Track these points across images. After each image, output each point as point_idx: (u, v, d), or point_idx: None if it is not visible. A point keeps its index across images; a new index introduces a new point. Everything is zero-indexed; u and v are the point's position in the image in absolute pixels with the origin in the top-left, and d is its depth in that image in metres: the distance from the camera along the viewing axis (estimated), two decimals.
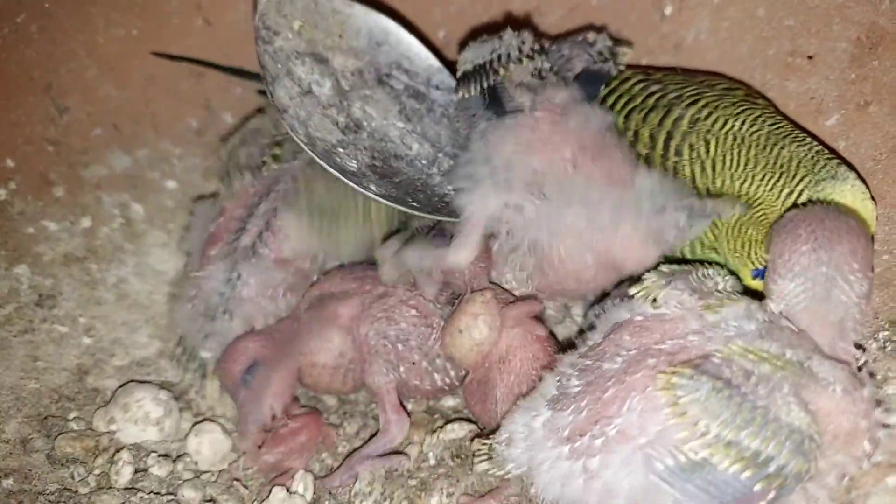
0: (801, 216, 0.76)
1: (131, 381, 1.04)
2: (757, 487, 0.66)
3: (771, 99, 1.02)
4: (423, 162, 1.01)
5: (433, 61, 1.09)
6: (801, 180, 0.81)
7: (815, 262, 0.72)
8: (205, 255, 1.02)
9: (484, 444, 0.80)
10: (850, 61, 0.97)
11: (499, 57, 0.98)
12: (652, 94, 0.95)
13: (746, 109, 0.88)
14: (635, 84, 0.98)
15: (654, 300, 0.76)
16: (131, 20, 1.25)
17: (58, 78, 1.22)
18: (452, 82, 0.99)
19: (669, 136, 0.90)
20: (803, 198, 0.79)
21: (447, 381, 0.96)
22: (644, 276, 0.79)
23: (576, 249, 0.88)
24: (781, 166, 0.82)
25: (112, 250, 1.19)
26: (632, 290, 0.78)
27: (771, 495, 0.66)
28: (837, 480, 0.69)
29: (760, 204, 0.83)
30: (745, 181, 0.83)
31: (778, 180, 0.81)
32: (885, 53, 0.93)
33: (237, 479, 0.96)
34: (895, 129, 0.92)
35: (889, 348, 0.80)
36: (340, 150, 0.97)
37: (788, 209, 0.80)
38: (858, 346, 0.73)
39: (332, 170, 0.93)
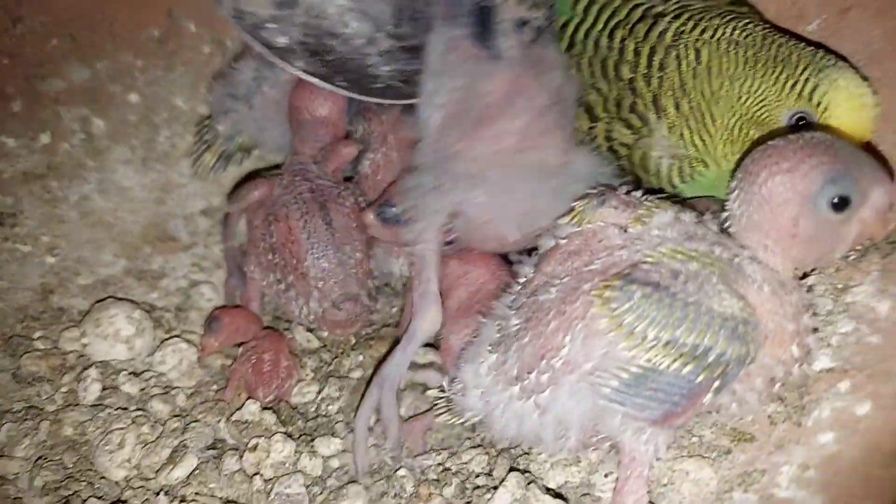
0: (754, 152, 0.73)
1: (109, 297, 1.03)
2: (699, 379, 0.67)
3: (753, 4, 0.99)
4: (360, 41, 0.98)
5: None
6: (804, 69, 0.79)
7: (757, 183, 0.70)
8: (244, 55, 1.11)
9: (441, 396, 0.81)
10: None
11: None
12: (637, 5, 0.92)
13: (734, 18, 0.87)
14: None
15: (589, 222, 0.75)
16: None
17: None
18: None
19: (653, 51, 0.88)
20: (808, 86, 0.78)
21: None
22: (573, 206, 0.78)
23: (505, 226, 0.88)
24: (782, 60, 0.81)
25: (73, 167, 1.16)
26: (564, 219, 0.77)
27: (716, 384, 0.67)
28: (765, 384, 0.70)
29: (762, 102, 0.81)
30: (745, 80, 0.82)
31: (780, 73, 0.80)
32: None
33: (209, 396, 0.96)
34: (875, 34, 0.89)
35: (851, 257, 0.80)
36: (271, 25, 0.96)
37: (793, 103, 0.79)
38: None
39: (257, 44, 0.93)
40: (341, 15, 0.97)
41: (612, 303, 0.68)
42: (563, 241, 0.76)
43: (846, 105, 0.77)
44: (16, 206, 1.11)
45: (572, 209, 0.78)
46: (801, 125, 0.79)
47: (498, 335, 0.76)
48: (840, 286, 0.78)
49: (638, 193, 0.77)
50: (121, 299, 1.03)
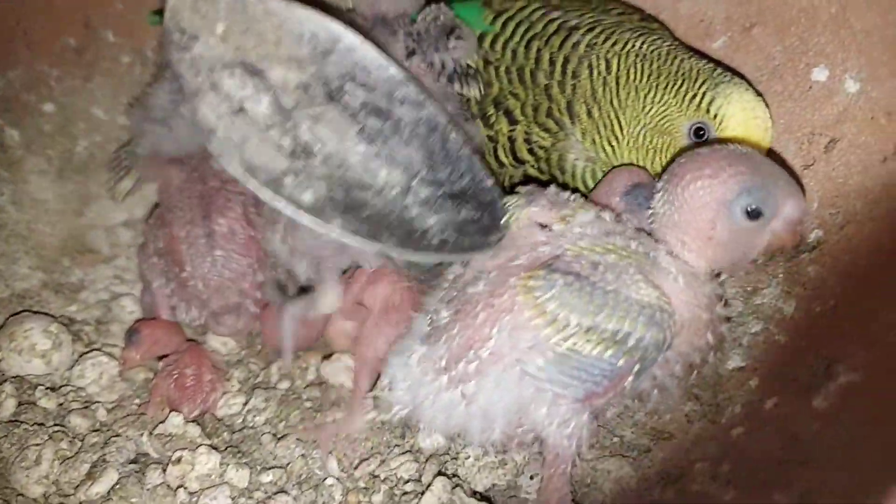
0: (681, 157, 0.79)
1: (24, 311, 1.00)
2: (620, 363, 0.70)
3: (663, 21, 1.03)
4: (395, 191, 0.85)
5: (395, 71, 0.85)
6: (702, 83, 0.85)
7: (681, 185, 0.75)
8: (161, 76, 1.08)
9: (366, 396, 0.83)
10: None
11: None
12: (553, 20, 0.96)
13: (644, 33, 0.92)
14: (535, 11, 0.98)
15: (517, 219, 0.78)
16: None
17: None
18: (420, 96, 0.83)
19: (567, 60, 0.92)
20: (706, 100, 0.84)
21: None
22: (504, 200, 0.82)
23: None
24: (683, 74, 0.86)
25: None
26: None
27: (636, 367, 0.71)
28: (684, 371, 0.75)
29: (665, 112, 0.86)
30: (650, 91, 0.87)
31: (681, 86, 0.85)
32: None
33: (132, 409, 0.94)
34: (776, 50, 0.95)
35: (759, 261, 0.84)
36: (289, 179, 0.82)
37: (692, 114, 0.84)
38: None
39: (282, 203, 0.80)
40: (366, 164, 0.84)
41: (536, 291, 0.71)
42: None
43: (739, 117, 0.82)
44: None
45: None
46: (700, 135, 0.84)
47: (428, 328, 0.78)
48: (749, 288, 0.83)
49: (565, 194, 0.81)
50: (37, 313, 1.00)
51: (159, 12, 1.18)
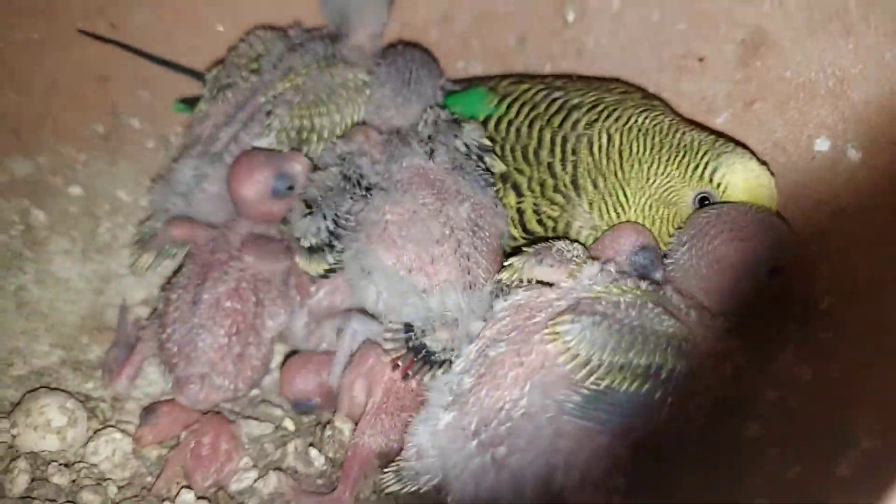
0: (706, 212, 0.84)
1: (42, 387, 1.01)
2: (657, 396, 0.71)
3: (665, 100, 1.07)
4: None
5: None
6: (704, 154, 0.87)
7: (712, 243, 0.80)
8: (185, 152, 1.11)
9: (389, 469, 0.80)
10: (737, 62, 1.03)
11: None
12: (555, 100, 0.99)
13: (645, 109, 0.95)
14: (538, 93, 1.02)
15: (529, 280, 0.80)
16: (32, 23, 1.22)
17: None
18: None
19: (565, 140, 0.96)
20: (709, 170, 0.86)
21: None
22: (509, 262, 0.84)
23: None
24: (685, 146, 0.88)
25: (11, 258, 1.15)
26: (503, 276, 0.82)
27: (669, 399, 0.72)
28: (709, 402, 0.76)
29: (669, 184, 0.88)
30: (653, 164, 0.89)
31: (683, 158, 0.87)
32: (768, 53, 0.99)
33: (143, 487, 0.93)
34: (778, 124, 0.97)
35: (772, 326, 0.84)
36: None
37: (695, 184, 0.87)
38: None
39: None
40: None
41: (566, 336, 0.72)
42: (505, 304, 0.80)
43: (743, 185, 0.84)
44: None
45: (507, 266, 0.82)
46: (706, 205, 0.86)
47: (450, 397, 0.77)
48: (763, 355, 0.82)
49: (571, 250, 0.83)
50: (53, 389, 1.00)
51: (184, 100, 1.23)
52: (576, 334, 0.71)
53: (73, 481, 0.92)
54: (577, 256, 0.82)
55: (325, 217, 0.94)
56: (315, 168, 1.03)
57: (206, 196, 1.08)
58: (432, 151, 0.97)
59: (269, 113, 1.08)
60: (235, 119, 1.10)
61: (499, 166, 0.98)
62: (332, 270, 0.96)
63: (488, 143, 1.00)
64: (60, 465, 0.93)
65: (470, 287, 0.88)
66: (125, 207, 1.25)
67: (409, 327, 0.88)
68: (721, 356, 0.75)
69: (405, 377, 0.87)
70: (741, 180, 0.84)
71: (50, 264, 1.16)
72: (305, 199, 0.98)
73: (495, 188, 0.98)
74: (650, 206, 0.90)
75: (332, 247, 0.94)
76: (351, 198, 0.95)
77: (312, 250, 0.95)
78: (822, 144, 0.91)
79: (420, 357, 0.85)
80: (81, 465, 0.94)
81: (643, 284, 0.77)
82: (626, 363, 0.70)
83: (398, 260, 0.89)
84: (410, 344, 0.87)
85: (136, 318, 1.12)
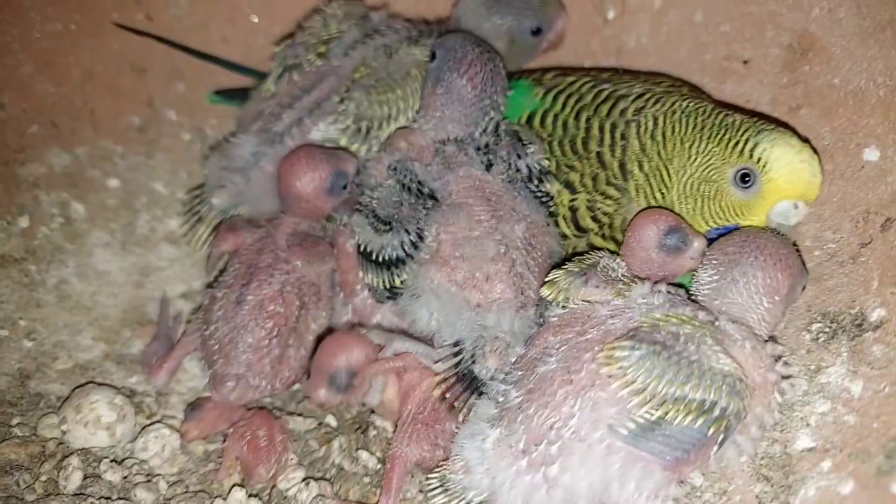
0: (742, 233, 0.84)
1: (89, 382, 1.02)
2: (710, 432, 0.71)
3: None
4: None
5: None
6: (745, 131, 0.87)
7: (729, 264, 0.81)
8: (246, 127, 1.11)
9: (432, 476, 0.81)
10: (782, 66, 1.02)
11: None
12: (602, 90, 0.99)
13: (690, 98, 0.96)
14: (585, 84, 1.02)
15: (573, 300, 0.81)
16: (68, 14, 1.22)
17: None
18: None
19: (614, 126, 0.96)
20: (749, 145, 0.86)
21: None
22: (553, 278, 0.84)
23: None
24: (726, 126, 0.89)
25: (52, 251, 1.16)
26: (547, 293, 0.82)
27: (721, 437, 0.72)
28: (759, 430, 0.76)
29: (709, 161, 0.89)
30: (694, 142, 0.90)
31: (724, 135, 0.88)
32: (815, 59, 0.98)
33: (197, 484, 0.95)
34: (825, 130, 0.97)
35: (821, 339, 0.85)
36: None
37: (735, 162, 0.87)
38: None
39: None
40: None
41: (623, 361, 0.72)
42: (554, 319, 0.81)
43: (784, 160, 0.85)
44: None
45: (551, 282, 0.83)
46: (747, 181, 0.86)
47: (496, 410, 0.78)
48: (813, 367, 0.83)
49: (616, 268, 0.83)
50: (101, 384, 1.01)
51: (219, 92, 1.23)
52: (634, 361, 0.71)
53: (125, 478, 0.93)
54: (623, 275, 0.82)
55: (408, 232, 0.92)
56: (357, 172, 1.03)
57: (265, 174, 1.07)
58: (490, 163, 0.96)
59: (342, 100, 1.06)
60: (301, 102, 1.08)
61: (551, 165, 0.98)
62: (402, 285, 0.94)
63: (547, 164, 0.99)
64: (111, 461, 0.94)
65: (522, 308, 0.88)
66: (162, 200, 1.25)
67: (459, 345, 0.88)
68: (771, 386, 0.76)
69: (443, 399, 0.87)
70: (782, 154, 0.84)
71: (91, 257, 1.17)
72: (380, 216, 0.95)
73: (550, 209, 0.97)
74: (691, 185, 0.90)
75: (412, 258, 0.92)
76: (423, 207, 0.94)
77: (389, 264, 0.94)
78: (871, 154, 0.91)
79: (465, 386, 0.85)
80: (132, 461, 0.95)
81: (701, 315, 0.76)
82: (681, 396, 0.70)
83: (451, 276, 0.89)
84: (458, 370, 0.86)
85: (177, 312, 1.13)
